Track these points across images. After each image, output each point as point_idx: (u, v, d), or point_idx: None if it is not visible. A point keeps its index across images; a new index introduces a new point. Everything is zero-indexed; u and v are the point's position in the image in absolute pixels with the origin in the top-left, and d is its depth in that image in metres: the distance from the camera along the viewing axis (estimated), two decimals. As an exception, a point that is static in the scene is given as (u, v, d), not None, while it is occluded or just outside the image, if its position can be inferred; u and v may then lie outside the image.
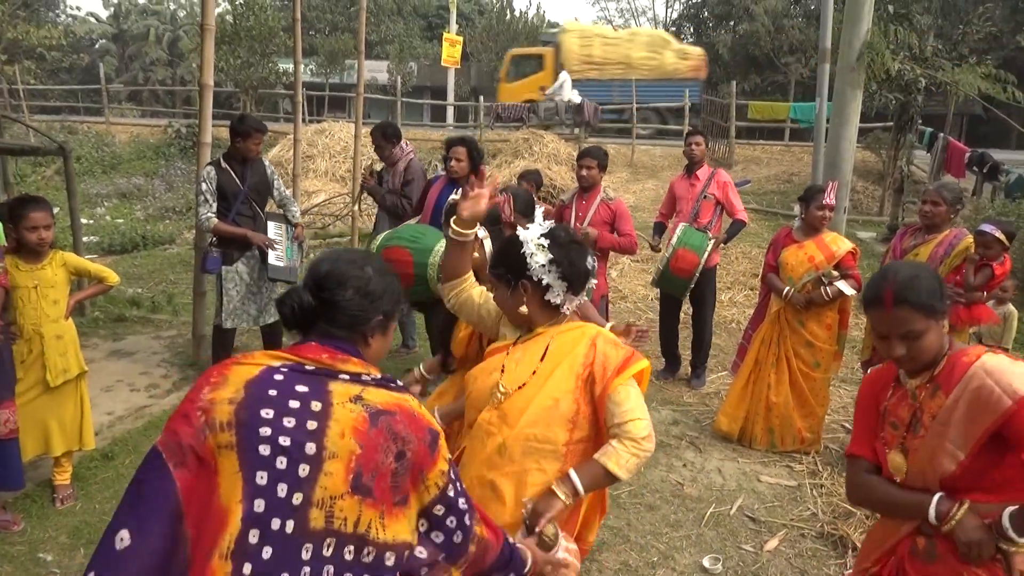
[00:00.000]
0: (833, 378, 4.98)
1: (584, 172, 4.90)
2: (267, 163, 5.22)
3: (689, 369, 5.77)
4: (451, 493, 1.55)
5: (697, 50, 22.28)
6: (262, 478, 1.35)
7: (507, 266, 2.10)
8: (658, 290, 5.83)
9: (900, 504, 1.91)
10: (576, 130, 16.98)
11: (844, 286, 4.28)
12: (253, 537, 1.32)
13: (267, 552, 1.32)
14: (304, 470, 1.36)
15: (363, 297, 1.56)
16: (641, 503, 3.98)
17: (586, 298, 2.53)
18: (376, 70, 26.73)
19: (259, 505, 1.33)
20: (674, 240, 5.10)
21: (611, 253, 5.14)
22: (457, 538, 1.57)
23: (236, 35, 16.14)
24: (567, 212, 5.01)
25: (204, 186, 4.83)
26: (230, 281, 4.91)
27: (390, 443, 1.43)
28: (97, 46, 38.59)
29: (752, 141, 18.93)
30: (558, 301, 2.10)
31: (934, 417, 1.83)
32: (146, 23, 37.51)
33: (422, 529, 1.54)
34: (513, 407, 2.06)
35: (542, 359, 2.08)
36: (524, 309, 2.10)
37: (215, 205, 4.83)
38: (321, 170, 12.71)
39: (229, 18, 16.94)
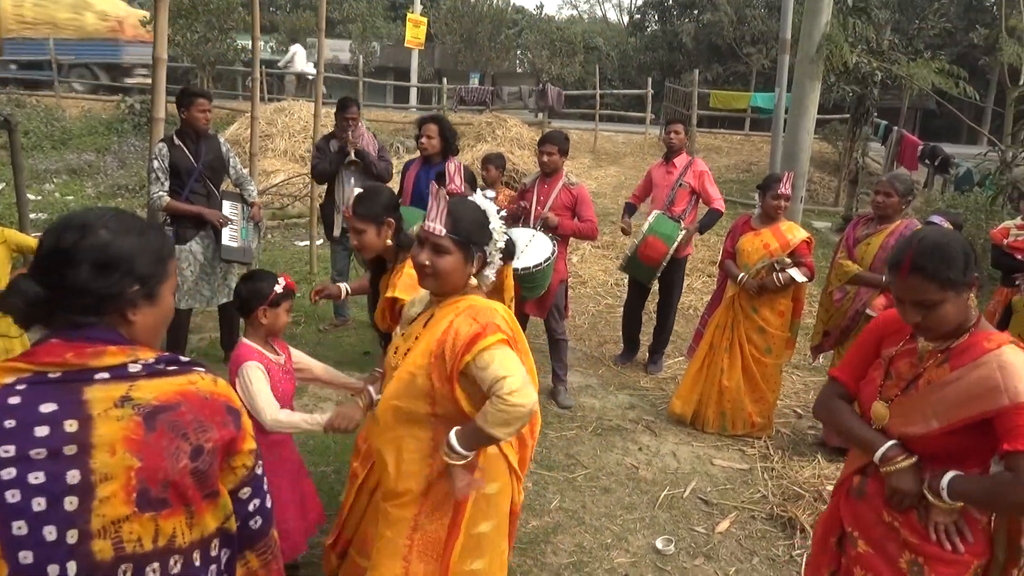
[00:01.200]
0: (785, 365, 5.09)
1: (545, 158, 4.89)
2: (223, 140, 5.11)
3: (647, 354, 5.83)
4: (258, 471, 1.42)
5: (120, 9, 21.79)
6: (20, 528, 1.16)
7: (469, 233, 2.03)
8: (621, 275, 5.87)
9: (855, 435, 2.01)
10: (539, 115, 16.96)
11: (796, 273, 4.36)
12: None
13: None
14: (72, 503, 1.18)
15: (103, 269, 1.26)
16: (596, 486, 4.02)
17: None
18: (338, 49, 26.31)
19: (25, 557, 1.16)
20: (645, 227, 5.15)
21: (571, 239, 5.15)
22: (255, 523, 1.43)
23: (193, 9, 15.69)
24: (529, 196, 5.00)
25: (156, 163, 4.70)
26: (184, 261, 4.80)
27: (179, 443, 1.25)
28: (47, 16, 37.23)
29: (713, 130, 19.13)
30: (490, 279, 2.16)
31: (930, 383, 1.88)
32: (99, -6, 36.26)
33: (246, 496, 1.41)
34: (389, 377, 2.14)
35: (424, 326, 2.11)
36: (473, 281, 2.11)
37: (167, 183, 4.71)
38: (280, 149, 12.47)
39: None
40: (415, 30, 17.88)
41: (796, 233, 4.45)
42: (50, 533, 1.17)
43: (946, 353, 1.88)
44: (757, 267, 4.44)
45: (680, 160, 5.55)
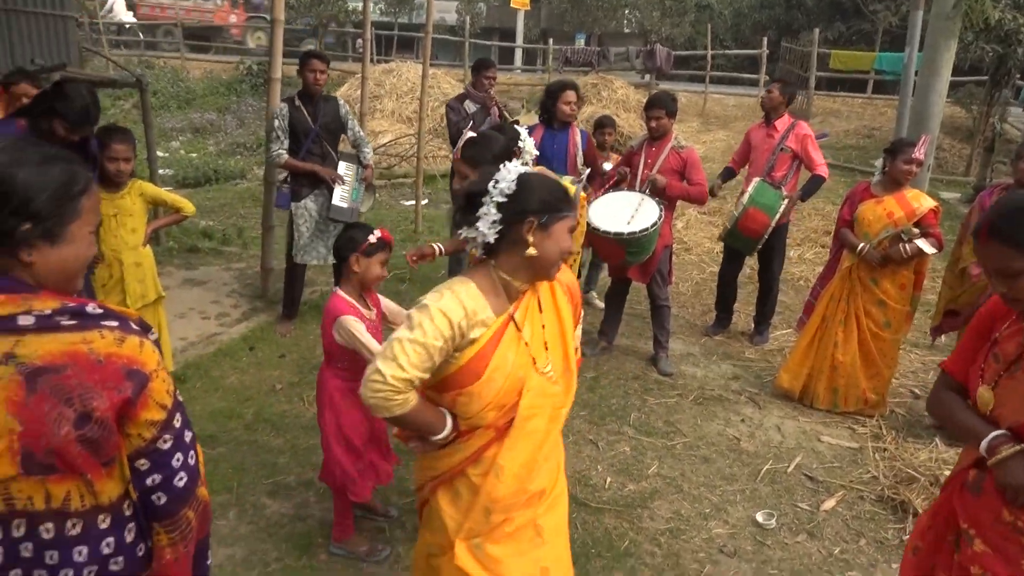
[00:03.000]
0: (903, 341, 4.82)
1: (653, 123, 4.76)
2: (341, 102, 5.22)
3: (753, 325, 5.65)
4: (164, 446, 1.28)
5: None
6: None
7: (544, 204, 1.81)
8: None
9: (963, 426, 1.88)
10: (647, 76, 16.53)
11: (924, 244, 4.09)
12: None
13: None
14: None
15: None
16: (696, 455, 3.97)
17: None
18: (445, 10, 26.35)
19: None
20: (745, 198, 4.93)
21: (678, 203, 5.03)
22: (158, 499, 1.30)
23: (308, -29, 16.08)
24: (636, 159, 4.89)
25: (276, 122, 4.88)
26: (300, 217, 4.99)
27: (61, 408, 1.15)
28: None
29: (832, 93, 18.09)
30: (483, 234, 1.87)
31: None
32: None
33: (144, 468, 1.29)
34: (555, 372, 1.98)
35: (540, 311, 1.96)
36: (532, 251, 1.79)
37: (287, 142, 4.89)
38: (388, 110, 12.71)
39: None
40: (522, -10, 17.71)
41: (923, 201, 4.16)
42: None
43: None
44: (881, 237, 4.19)
45: (781, 123, 5.27)
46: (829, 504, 3.60)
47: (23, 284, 1.20)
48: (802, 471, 3.88)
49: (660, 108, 4.76)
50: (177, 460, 1.30)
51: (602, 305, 5.50)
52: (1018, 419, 1.71)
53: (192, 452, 1.34)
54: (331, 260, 5.10)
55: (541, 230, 1.80)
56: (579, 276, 5.93)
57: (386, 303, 3.00)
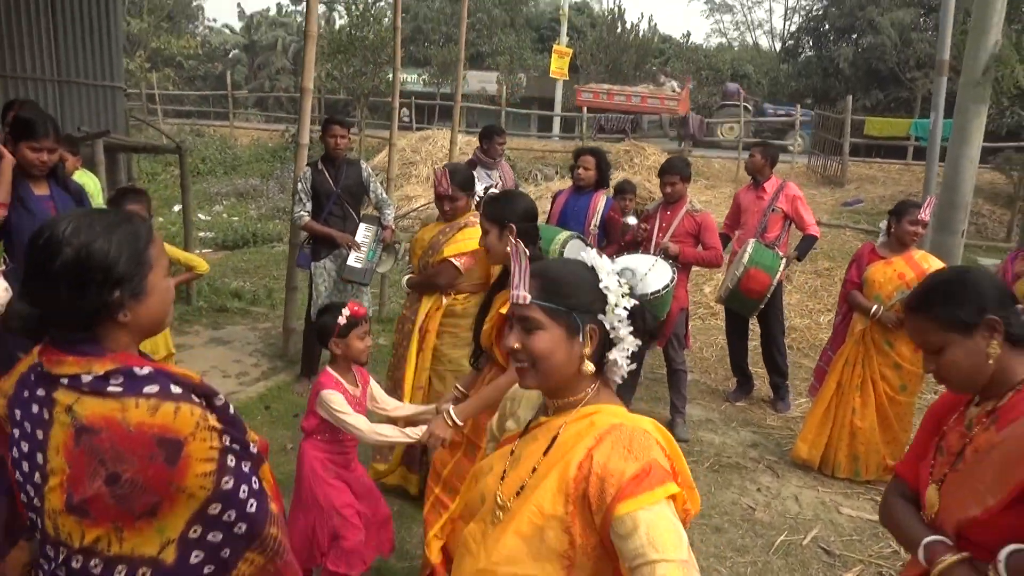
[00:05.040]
0: (916, 402, 4.66)
1: (668, 189, 4.83)
2: (364, 165, 5.38)
3: (771, 391, 5.53)
4: (227, 487, 1.36)
5: None
6: (19, 476, 1.34)
7: (567, 297, 1.43)
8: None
9: (903, 535, 1.72)
10: (681, 143, 16.70)
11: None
12: (32, 516, 1.35)
13: (39, 533, 1.36)
14: (38, 478, 1.31)
15: (80, 287, 1.27)
16: (708, 524, 3.85)
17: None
18: (486, 81, 27.18)
19: (24, 497, 1.35)
20: (745, 259, 4.90)
21: (701, 267, 5.04)
22: (239, 530, 1.40)
23: (351, 44, 16.79)
24: (651, 223, 4.93)
25: (300, 186, 5.06)
26: (319, 276, 5.11)
27: (96, 466, 1.26)
28: (230, 55, 41.14)
29: (869, 159, 18.01)
30: (621, 368, 1.47)
31: (977, 452, 1.58)
32: (274, 34, 39.65)
33: (194, 535, 1.35)
34: (497, 527, 1.44)
35: (545, 453, 1.44)
36: (588, 366, 1.43)
37: (309, 204, 5.04)
38: (423, 176, 13.04)
39: (347, 28, 17.65)
40: (560, 61, 18.23)
41: (932, 262, 4.10)
42: (30, 491, 1.33)
43: (993, 414, 1.59)
44: (895, 299, 4.11)
45: (770, 184, 5.34)
46: (845, 580, 3.44)
47: (97, 347, 1.32)
48: (819, 544, 3.72)
49: (675, 174, 4.81)
50: (243, 491, 1.39)
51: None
52: (965, 513, 1.55)
53: (254, 479, 1.44)
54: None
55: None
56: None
57: (375, 387, 2.99)
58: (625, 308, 1.44)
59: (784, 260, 4.97)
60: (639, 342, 1.47)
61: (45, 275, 1.26)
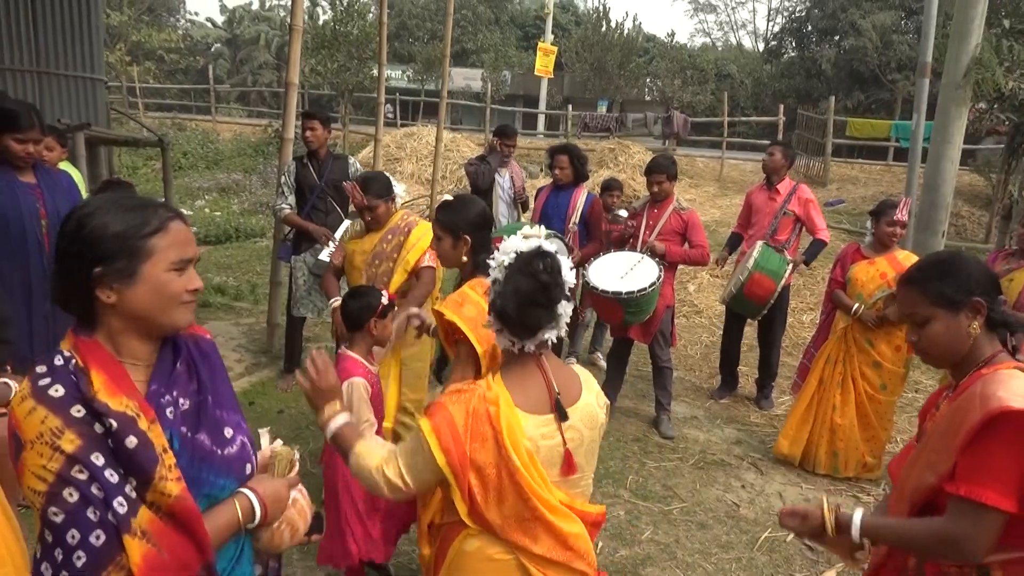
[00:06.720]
0: (897, 401, 4.72)
1: (655, 188, 4.84)
2: (352, 160, 5.34)
3: (755, 389, 5.56)
4: (55, 519, 1.21)
5: None
6: None
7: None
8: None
9: (892, 535, 1.74)
10: (665, 142, 16.75)
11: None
12: None
13: None
14: None
15: (74, 258, 1.28)
16: (692, 520, 3.86)
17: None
18: (471, 78, 27.18)
19: None
20: (750, 263, 4.88)
21: (687, 265, 5.04)
22: (79, 559, 1.21)
23: (335, 40, 16.68)
24: (638, 221, 4.93)
25: (283, 178, 5.02)
26: (298, 270, 5.07)
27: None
28: (212, 49, 40.76)
29: (851, 160, 18.19)
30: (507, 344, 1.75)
31: (935, 424, 1.67)
32: (257, 28, 39.34)
33: (49, 539, 1.23)
34: None
35: None
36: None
37: (291, 198, 5.00)
38: (407, 172, 12.99)
39: (331, 23, 17.54)
40: (545, 59, 18.22)
41: (913, 262, 4.13)
42: None
43: (956, 391, 1.67)
44: (875, 298, 4.15)
45: (784, 186, 5.29)
46: (829, 575, 3.46)
47: (85, 328, 1.32)
48: (802, 540, 3.75)
49: (661, 173, 4.81)
50: (72, 537, 1.21)
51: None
52: (923, 481, 1.62)
53: (99, 533, 1.21)
54: (326, 315, 5.19)
55: None
56: (572, 336, 5.92)
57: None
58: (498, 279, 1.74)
59: (791, 264, 4.95)
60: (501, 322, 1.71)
61: (56, 247, 1.30)
